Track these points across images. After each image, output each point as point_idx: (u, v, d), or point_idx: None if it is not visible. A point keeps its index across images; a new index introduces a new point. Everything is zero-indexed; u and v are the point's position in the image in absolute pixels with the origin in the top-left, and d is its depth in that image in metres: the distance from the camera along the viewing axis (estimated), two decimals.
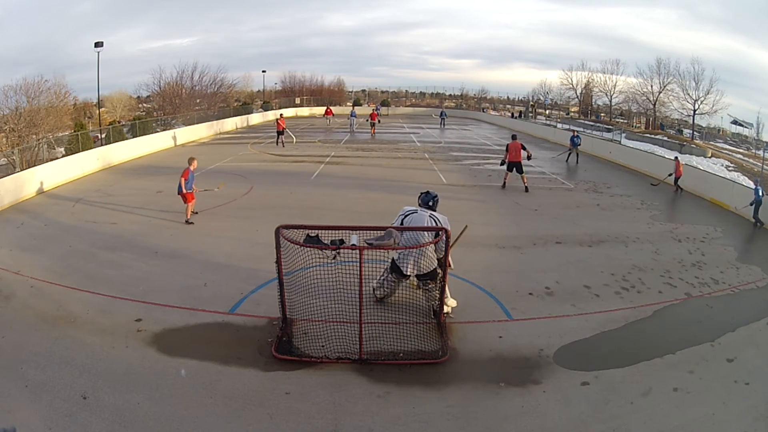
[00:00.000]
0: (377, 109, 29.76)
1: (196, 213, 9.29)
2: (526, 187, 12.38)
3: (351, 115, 27.71)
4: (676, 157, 14.17)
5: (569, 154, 17.79)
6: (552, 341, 5.08)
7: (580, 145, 17.74)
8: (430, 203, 5.53)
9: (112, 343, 4.89)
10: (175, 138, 20.72)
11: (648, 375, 4.53)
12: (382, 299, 5.68)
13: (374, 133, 23.91)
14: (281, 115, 21.47)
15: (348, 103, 46.18)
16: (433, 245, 5.14)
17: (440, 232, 4.96)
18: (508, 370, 4.58)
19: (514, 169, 12.46)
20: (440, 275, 5.11)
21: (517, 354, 4.85)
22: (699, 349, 5.01)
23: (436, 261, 5.23)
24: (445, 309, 5.40)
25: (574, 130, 18.96)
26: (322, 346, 4.80)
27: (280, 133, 19.67)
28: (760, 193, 9.95)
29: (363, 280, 4.54)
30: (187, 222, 8.92)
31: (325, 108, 32.18)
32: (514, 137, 12.90)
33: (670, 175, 13.29)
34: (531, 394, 4.24)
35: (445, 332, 5.04)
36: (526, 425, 3.87)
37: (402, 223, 5.39)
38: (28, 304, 5.76)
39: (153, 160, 16.75)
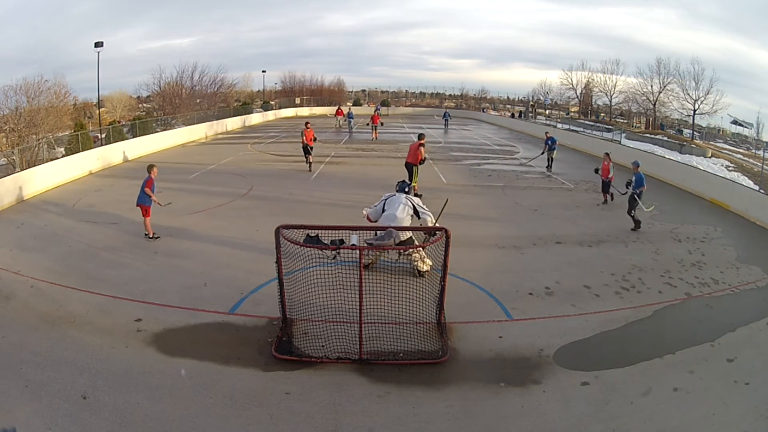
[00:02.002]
0: (378, 110, 29.39)
1: (157, 237, 8.15)
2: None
3: (348, 117, 26.00)
4: (607, 153, 11.56)
5: (548, 160, 15.40)
6: (552, 341, 5.08)
7: (556, 149, 15.44)
8: (406, 189, 7.02)
9: (112, 343, 4.89)
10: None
11: (648, 375, 4.53)
12: (368, 266, 6.33)
13: (376, 136, 22.66)
14: (307, 125, 14.51)
15: (348, 103, 46.12)
16: (410, 221, 6.58)
17: (436, 230, 4.98)
18: (508, 370, 4.59)
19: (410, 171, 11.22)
20: (441, 276, 5.12)
21: (517, 354, 4.85)
22: (699, 349, 5.01)
23: (410, 233, 6.34)
24: (424, 267, 6.34)
25: (547, 132, 16.35)
26: (322, 346, 4.80)
27: (307, 150, 14.28)
28: (643, 182, 9.02)
29: (363, 280, 4.54)
30: (151, 237, 8.11)
31: (336, 108, 30.89)
32: (419, 137, 11.37)
33: (596, 171, 11.45)
34: (531, 394, 4.24)
35: (445, 332, 5.04)
36: (526, 425, 3.87)
37: (384, 205, 6.76)
38: (28, 304, 5.76)
39: (153, 161, 16.72)
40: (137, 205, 8.14)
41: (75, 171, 13.45)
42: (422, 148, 11.10)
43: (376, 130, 22.89)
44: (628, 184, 9.25)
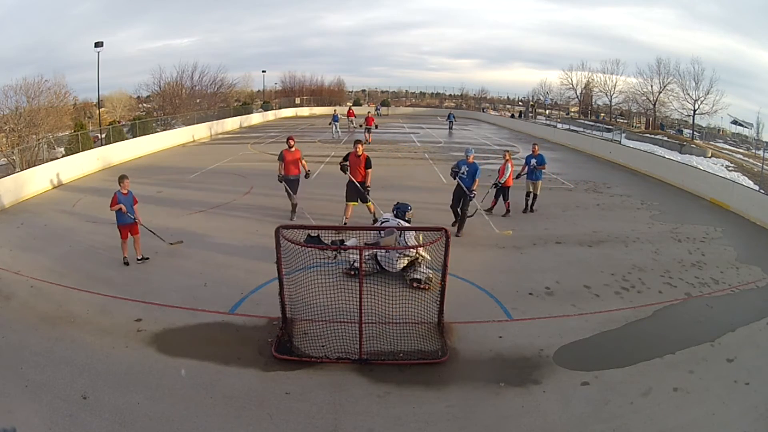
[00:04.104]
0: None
1: (147, 259, 7.09)
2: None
3: (333, 120, 23.58)
4: (507, 152, 9.83)
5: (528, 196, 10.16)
6: (552, 341, 5.08)
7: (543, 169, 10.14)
8: (403, 215, 6.93)
9: (112, 343, 4.89)
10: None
11: (648, 375, 4.53)
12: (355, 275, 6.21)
13: (370, 140, 20.90)
14: (290, 142, 9.01)
15: (348, 103, 46.09)
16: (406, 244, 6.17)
17: (441, 233, 4.97)
18: (508, 370, 4.58)
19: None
20: (441, 277, 5.12)
21: (517, 354, 4.85)
22: (699, 349, 5.00)
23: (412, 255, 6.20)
24: (422, 276, 6.09)
25: (535, 145, 10.28)
26: (322, 346, 4.80)
27: (289, 183, 9.05)
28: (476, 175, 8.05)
29: (363, 280, 4.54)
30: (125, 262, 6.95)
31: (347, 109, 29.63)
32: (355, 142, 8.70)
33: (495, 185, 9.67)
34: (531, 394, 4.24)
35: (445, 332, 5.04)
36: (526, 425, 3.87)
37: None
38: (28, 304, 5.76)
39: (153, 160, 16.76)
40: (118, 226, 6.92)
41: (75, 171, 13.45)
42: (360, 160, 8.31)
43: (369, 132, 21.46)
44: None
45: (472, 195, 8.21)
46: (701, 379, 4.49)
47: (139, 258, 7.09)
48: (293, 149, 8.99)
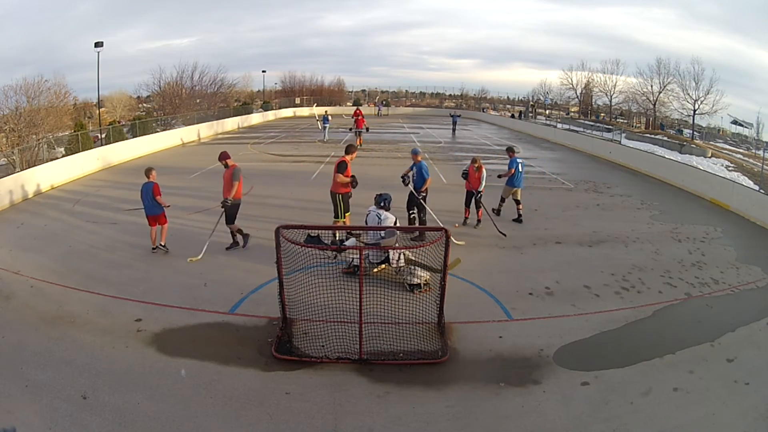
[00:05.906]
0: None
1: (164, 246, 7.53)
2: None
3: (324, 121, 22.46)
4: (475, 159, 8.78)
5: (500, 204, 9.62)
6: (552, 341, 5.08)
7: (520, 183, 9.28)
8: (382, 204, 6.92)
9: (112, 343, 4.89)
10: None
11: (648, 375, 4.53)
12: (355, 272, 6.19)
13: (361, 143, 19.54)
14: (224, 159, 7.48)
15: (348, 103, 46.05)
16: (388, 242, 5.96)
17: (441, 232, 4.98)
18: (508, 370, 4.58)
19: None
20: (441, 277, 5.12)
21: (517, 354, 4.85)
22: (699, 349, 5.01)
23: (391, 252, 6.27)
24: (420, 281, 6.05)
25: (512, 149, 9.71)
26: (322, 346, 4.80)
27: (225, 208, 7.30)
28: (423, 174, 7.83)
29: (363, 280, 4.54)
30: (164, 246, 7.49)
31: (354, 109, 28.25)
32: (346, 150, 7.77)
33: (464, 176, 8.95)
34: (531, 394, 4.24)
35: (445, 332, 5.04)
36: (526, 425, 3.87)
37: (366, 220, 6.92)
38: (28, 304, 5.76)
39: (153, 160, 16.74)
40: (150, 217, 7.37)
41: (75, 171, 13.46)
42: (340, 174, 7.31)
43: (360, 135, 20.01)
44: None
45: (421, 196, 7.97)
46: (701, 379, 4.50)
47: (162, 244, 7.53)
48: (229, 166, 7.38)
